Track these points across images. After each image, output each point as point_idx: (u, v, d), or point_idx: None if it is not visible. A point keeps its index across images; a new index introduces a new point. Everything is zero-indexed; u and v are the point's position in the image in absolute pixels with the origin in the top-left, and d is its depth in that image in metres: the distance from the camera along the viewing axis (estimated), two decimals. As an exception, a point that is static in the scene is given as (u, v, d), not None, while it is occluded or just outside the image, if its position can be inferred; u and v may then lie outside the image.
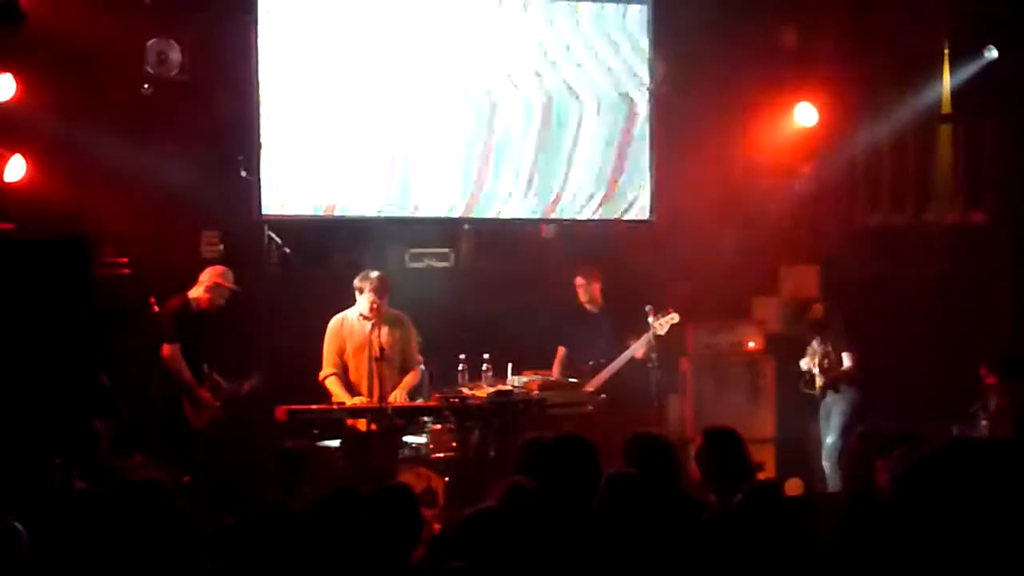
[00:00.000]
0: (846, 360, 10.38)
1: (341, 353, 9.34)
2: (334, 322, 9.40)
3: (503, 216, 10.87)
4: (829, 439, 10.36)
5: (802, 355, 10.57)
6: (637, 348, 10.01)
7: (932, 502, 2.00)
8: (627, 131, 11.07)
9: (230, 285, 9.67)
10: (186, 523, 4.44)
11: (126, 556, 4.41)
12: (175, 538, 4.36)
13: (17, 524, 4.44)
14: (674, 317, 10.00)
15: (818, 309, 10.51)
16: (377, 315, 9.27)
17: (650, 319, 9.90)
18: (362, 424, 9.09)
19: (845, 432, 10.06)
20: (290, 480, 8.82)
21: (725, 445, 6.14)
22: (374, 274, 9.35)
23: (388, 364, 9.25)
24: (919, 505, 2.01)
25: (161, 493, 4.58)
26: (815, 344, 10.48)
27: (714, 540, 4.55)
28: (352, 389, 9.27)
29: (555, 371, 10.24)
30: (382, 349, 9.05)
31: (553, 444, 5.43)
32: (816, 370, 10.43)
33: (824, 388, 10.41)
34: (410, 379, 9.44)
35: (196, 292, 9.62)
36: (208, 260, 10.13)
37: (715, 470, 5.98)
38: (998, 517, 1.96)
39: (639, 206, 11.12)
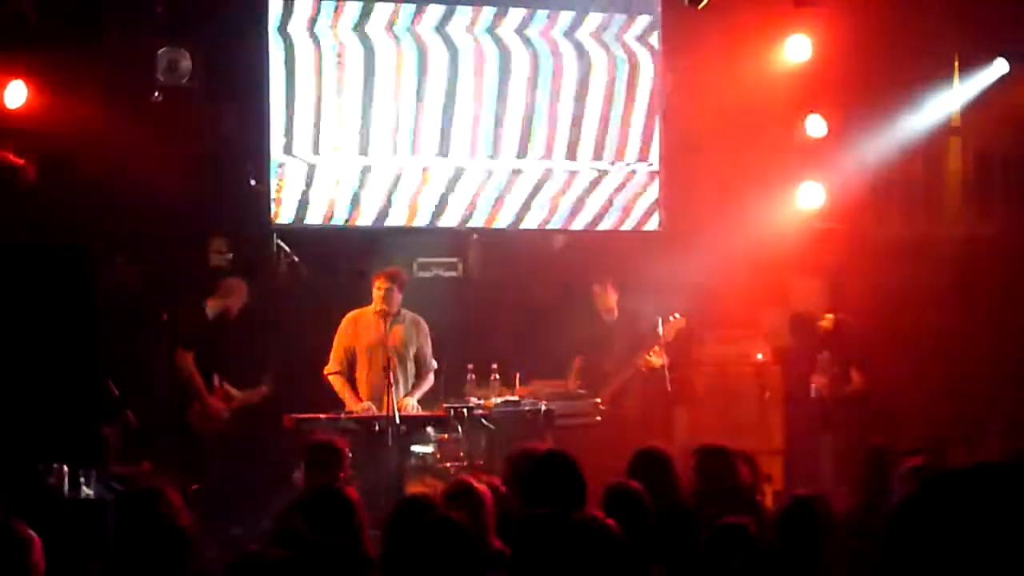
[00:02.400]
0: (854, 375, 10.27)
1: (349, 350, 9.38)
2: (348, 318, 9.49)
3: (511, 226, 10.86)
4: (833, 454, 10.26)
5: (812, 366, 10.51)
6: (645, 358, 10.02)
7: (944, 522, 1.96)
8: (636, 141, 11.05)
9: (244, 299, 9.73)
10: (176, 532, 4.43)
11: (116, 564, 4.40)
12: (164, 547, 4.35)
13: (31, 532, 4.44)
14: (680, 321, 10.00)
15: (829, 321, 10.43)
16: (387, 305, 9.29)
17: (661, 331, 9.91)
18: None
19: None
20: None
21: (717, 463, 6.12)
22: (387, 269, 9.45)
23: (400, 369, 9.27)
24: (931, 524, 1.97)
25: (150, 502, 4.57)
26: (824, 357, 10.40)
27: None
28: (357, 388, 9.32)
29: (571, 381, 10.24)
30: (390, 357, 9.05)
31: (539, 460, 5.40)
32: (821, 386, 10.34)
33: (832, 402, 10.33)
34: (423, 385, 9.50)
35: (213, 302, 9.65)
36: (217, 268, 10.16)
37: (708, 488, 5.95)
38: (1013, 542, 1.92)
39: (648, 216, 11.10)
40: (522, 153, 10.78)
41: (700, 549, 5.02)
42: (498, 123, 10.72)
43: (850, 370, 10.26)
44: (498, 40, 10.75)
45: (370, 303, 9.46)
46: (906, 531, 2.00)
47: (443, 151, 10.60)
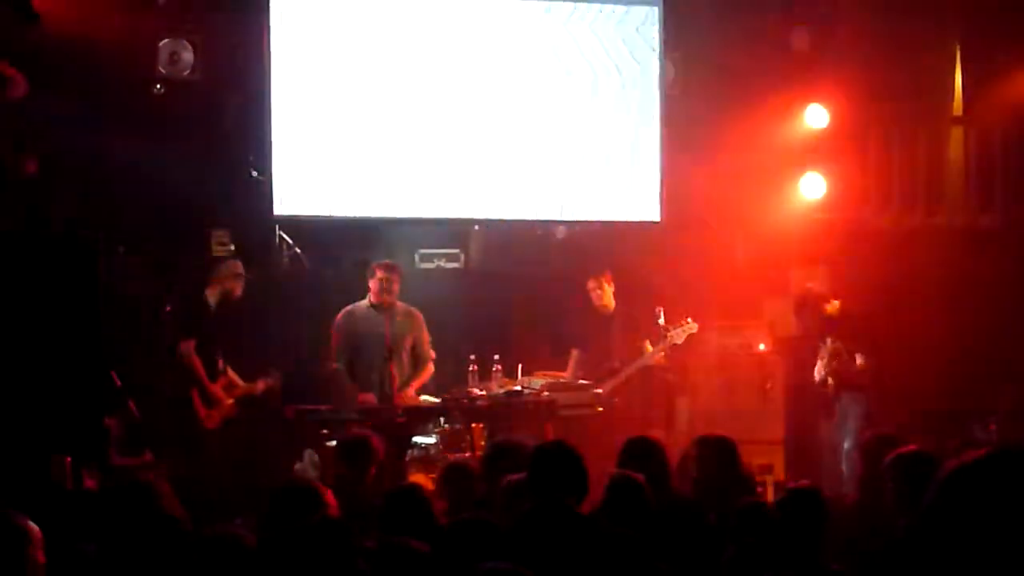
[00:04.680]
0: (859, 359, 10.26)
1: (347, 344, 9.44)
2: (344, 312, 9.59)
3: (513, 217, 10.87)
4: (846, 444, 10.20)
5: (815, 354, 10.50)
6: (653, 356, 10.03)
7: (972, 512, 1.95)
8: (637, 131, 11.06)
9: (240, 274, 9.73)
10: (171, 524, 4.44)
11: (113, 556, 4.41)
12: (160, 539, 4.35)
13: (32, 524, 4.45)
14: (693, 327, 10.02)
15: (833, 305, 10.43)
16: (388, 296, 9.35)
17: (661, 320, 9.92)
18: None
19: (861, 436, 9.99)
20: None
21: (720, 454, 6.11)
22: (384, 261, 9.51)
23: (397, 360, 9.31)
24: (958, 515, 1.96)
25: (146, 495, 4.58)
26: (828, 342, 10.38)
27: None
28: (358, 382, 9.38)
29: (568, 373, 10.25)
30: (390, 348, 9.07)
31: (542, 452, 5.42)
32: (825, 371, 10.34)
33: (836, 388, 10.31)
34: (422, 375, 9.55)
35: (211, 289, 9.67)
36: (219, 259, 10.16)
37: (710, 479, 5.94)
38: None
39: (649, 207, 11.10)
40: (526, 145, 10.79)
41: (726, 534, 5.01)
42: (503, 114, 10.74)
43: (855, 356, 10.25)
44: (518, 28, 10.76)
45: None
46: (937, 519, 1.99)
47: (446, 140, 10.61)
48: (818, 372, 10.37)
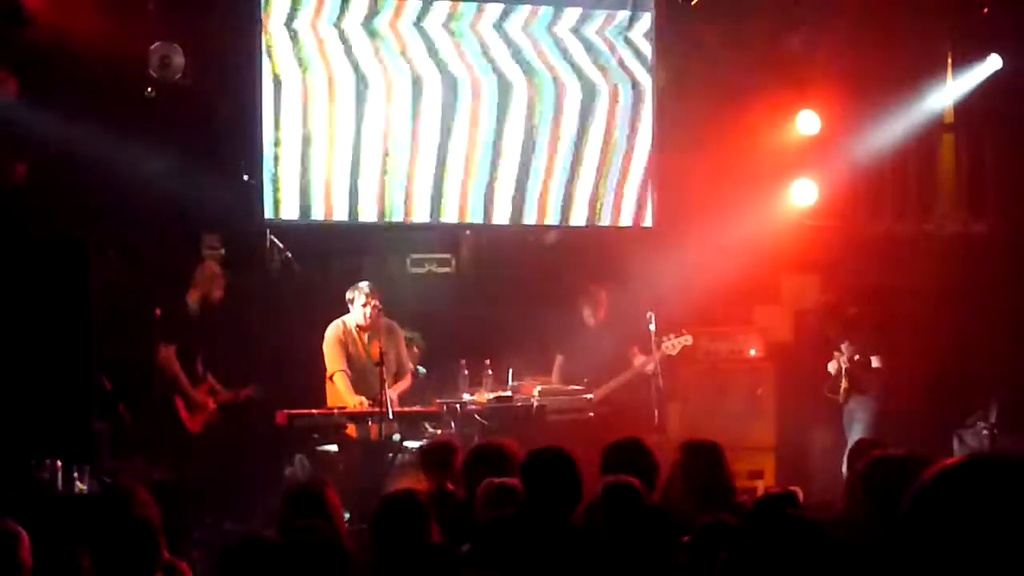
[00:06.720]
0: (875, 362, 10.33)
1: (345, 355, 9.41)
2: (333, 327, 9.49)
3: (504, 222, 10.86)
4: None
5: (828, 357, 10.52)
6: (645, 367, 10.03)
7: (946, 522, 1.95)
8: (629, 137, 11.06)
9: (215, 274, 9.70)
10: (144, 530, 4.41)
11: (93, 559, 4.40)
12: (131, 544, 4.33)
13: (19, 527, 4.44)
14: (687, 338, 10.02)
15: (851, 311, 10.49)
16: (375, 320, 9.35)
17: (652, 326, 9.91)
18: (353, 430, 9.14)
19: None
20: None
21: (705, 459, 6.09)
22: (363, 284, 9.46)
23: (387, 370, 9.31)
24: (927, 525, 1.96)
25: (119, 500, 4.56)
26: (844, 346, 10.42)
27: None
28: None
29: (553, 379, 10.25)
30: (382, 354, 9.07)
31: (536, 458, 5.40)
32: (841, 374, 10.35)
33: (848, 391, 10.34)
34: (402, 384, 9.55)
35: (192, 294, 9.67)
36: (197, 263, 10.15)
37: (695, 484, 5.92)
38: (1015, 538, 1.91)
39: (640, 212, 11.11)
40: (517, 150, 10.79)
41: (684, 550, 4.99)
42: (495, 118, 10.74)
43: (871, 359, 10.32)
44: (505, 35, 10.76)
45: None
46: (913, 527, 1.99)
47: (439, 144, 10.61)
48: (832, 369, 10.39)
